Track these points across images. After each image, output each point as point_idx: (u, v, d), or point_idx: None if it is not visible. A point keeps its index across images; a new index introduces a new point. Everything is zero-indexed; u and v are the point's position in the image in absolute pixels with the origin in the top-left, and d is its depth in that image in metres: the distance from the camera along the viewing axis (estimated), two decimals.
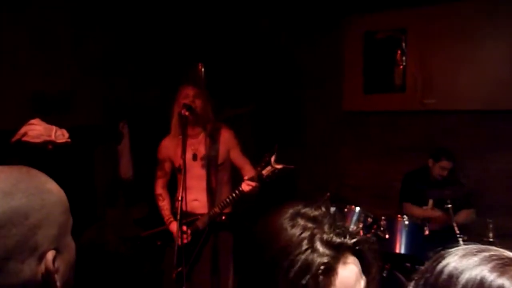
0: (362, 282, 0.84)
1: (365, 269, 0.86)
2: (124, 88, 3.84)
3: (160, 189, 2.84)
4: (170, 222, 2.72)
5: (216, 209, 2.60)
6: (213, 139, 2.73)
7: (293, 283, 0.78)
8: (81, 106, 3.52)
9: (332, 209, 3.11)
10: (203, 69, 4.21)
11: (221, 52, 4.20)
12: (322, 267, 0.79)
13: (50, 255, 0.65)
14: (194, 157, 2.71)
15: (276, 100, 4.38)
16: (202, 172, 2.69)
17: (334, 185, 3.57)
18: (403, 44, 3.87)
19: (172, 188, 2.85)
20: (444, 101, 3.73)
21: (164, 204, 2.81)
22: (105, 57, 3.68)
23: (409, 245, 2.93)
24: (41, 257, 0.65)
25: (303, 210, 0.88)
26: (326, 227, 0.85)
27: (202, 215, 2.65)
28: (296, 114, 4.43)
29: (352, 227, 3.08)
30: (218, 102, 4.30)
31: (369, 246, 0.86)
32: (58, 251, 0.67)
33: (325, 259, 0.81)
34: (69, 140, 1.56)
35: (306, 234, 0.83)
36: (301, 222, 0.86)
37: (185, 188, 2.46)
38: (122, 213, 3.77)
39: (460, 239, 2.82)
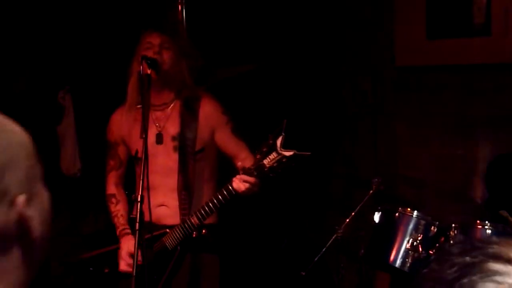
0: None
1: None
2: (66, 39, 3.81)
3: (112, 186, 2.85)
4: (124, 234, 2.70)
5: (194, 219, 2.57)
6: (189, 112, 2.70)
7: None
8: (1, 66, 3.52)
9: (377, 215, 2.97)
10: (183, 10, 4.15)
11: None
12: None
13: (20, 199, 0.84)
14: (159, 139, 2.71)
15: (294, 55, 4.33)
16: (172, 163, 2.67)
17: (382, 177, 3.34)
18: None
19: (130, 185, 2.79)
20: None
21: (119, 209, 2.82)
22: None
23: None
24: (12, 203, 0.84)
25: None
26: None
27: (171, 227, 2.63)
28: (325, 74, 4.37)
29: (408, 240, 3.02)
30: (206, 59, 4.22)
31: None
32: (29, 198, 0.86)
33: None
34: None
35: None
36: None
37: (146, 186, 2.44)
38: (66, 228, 3.77)
39: None
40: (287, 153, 2.26)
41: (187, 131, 2.67)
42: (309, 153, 2.26)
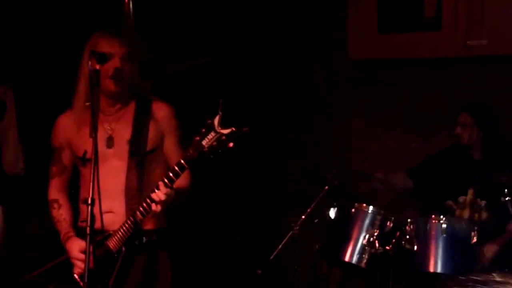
0: None
1: None
2: (7, 32, 3.68)
3: (55, 192, 2.78)
4: (68, 238, 2.65)
5: (137, 215, 2.51)
6: (142, 114, 2.67)
7: None
8: None
9: (333, 211, 3.08)
10: (130, 2, 4.03)
11: None
12: None
13: None
14: (109, 142, 2.65)
15: (247, 49, 4.30)
16: (121, 165, 2.62)
17: (336, 172, 3.41)
18: None
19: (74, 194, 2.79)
20: (500, 43, 3.66)
21: (61, 214, 2.74)
22: None
23: (449, 260, 2.93)
24: None
25: None
26: None
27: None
28: (278, 69, 4.38)
29: (364, 236, 3.06)
30: (155, 53, 4.12)
31: None
32: None
33: None
34: None
35: None
36: None
37: (97, 189, 2.36)
38: (8, 230, 3.66)
39: None
40: (225, 131, 2.27)
41: (138, 133, 2.62)
42: (247, 128, 2.27)
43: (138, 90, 2.68)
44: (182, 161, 2.37)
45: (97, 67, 2.47)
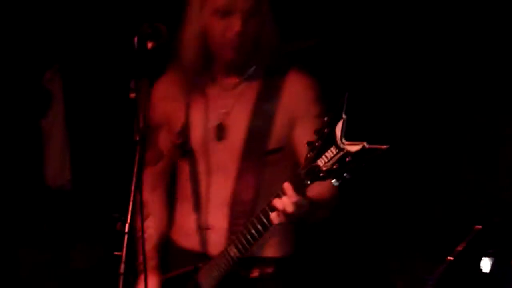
0: None
1: None
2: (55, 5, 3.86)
3: (147, 190, 2.64)
4: (141, 271, 2.45)
5: (232, 250, 2.40)
6: (269, 93, 2.53)
7: None
8: None
9: (487, 261, 2.83)
10: None
11: None
12: None
13: None
14: (220, 132, 2.52)
15: (372, 24, 4.10)
16: (231, 165, 2.51)
17: (499, 204, 3.36)
18: None
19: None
20: None
21: (146, 226, 2.61)
22: None
23: None
24: None
25: None
26: None
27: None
28: (423, 52, 4.02)
29: None
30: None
31: None
32: None
33: None
34: None
35: None
36: None
37: (190, 197, 2.46)
38: (50, 260, 3.78)
39: None
40: (353, 148, 1.97)
41: (260, 120, 2.50)
42: (386, 146, 1.94)
43: (270, 58, 2.49)
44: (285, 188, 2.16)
45: (149, 46, 2.22)
